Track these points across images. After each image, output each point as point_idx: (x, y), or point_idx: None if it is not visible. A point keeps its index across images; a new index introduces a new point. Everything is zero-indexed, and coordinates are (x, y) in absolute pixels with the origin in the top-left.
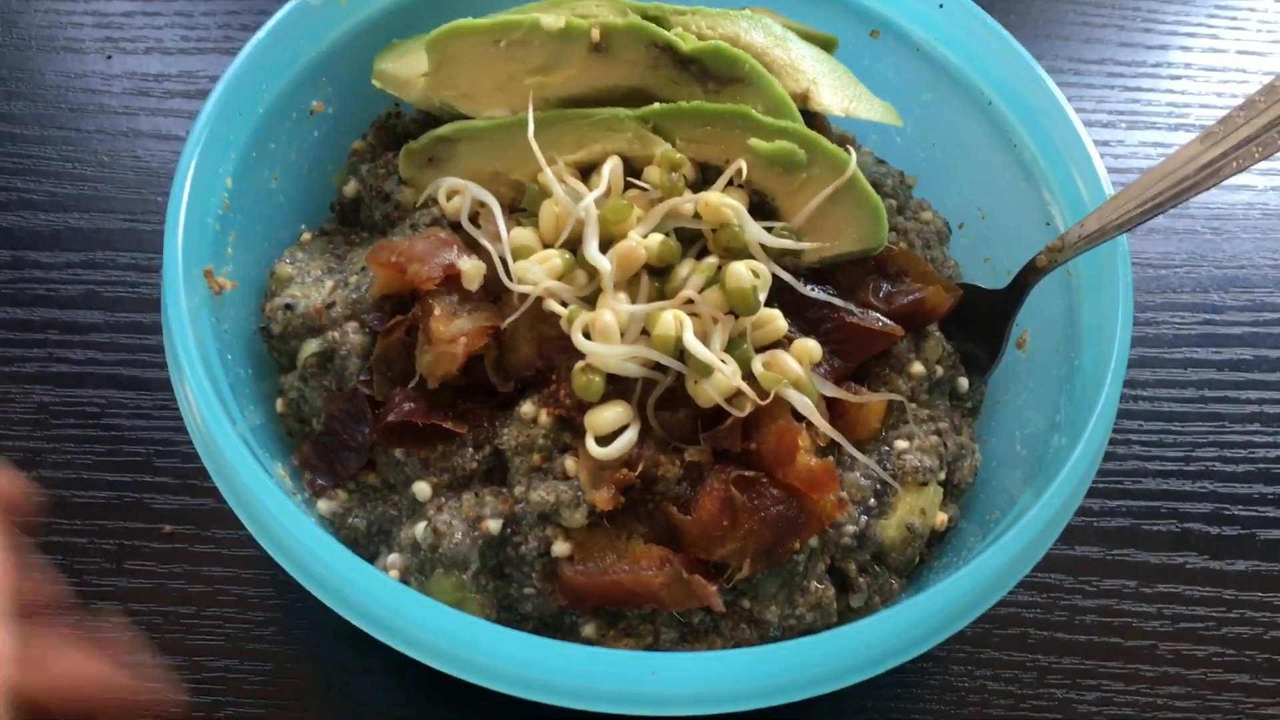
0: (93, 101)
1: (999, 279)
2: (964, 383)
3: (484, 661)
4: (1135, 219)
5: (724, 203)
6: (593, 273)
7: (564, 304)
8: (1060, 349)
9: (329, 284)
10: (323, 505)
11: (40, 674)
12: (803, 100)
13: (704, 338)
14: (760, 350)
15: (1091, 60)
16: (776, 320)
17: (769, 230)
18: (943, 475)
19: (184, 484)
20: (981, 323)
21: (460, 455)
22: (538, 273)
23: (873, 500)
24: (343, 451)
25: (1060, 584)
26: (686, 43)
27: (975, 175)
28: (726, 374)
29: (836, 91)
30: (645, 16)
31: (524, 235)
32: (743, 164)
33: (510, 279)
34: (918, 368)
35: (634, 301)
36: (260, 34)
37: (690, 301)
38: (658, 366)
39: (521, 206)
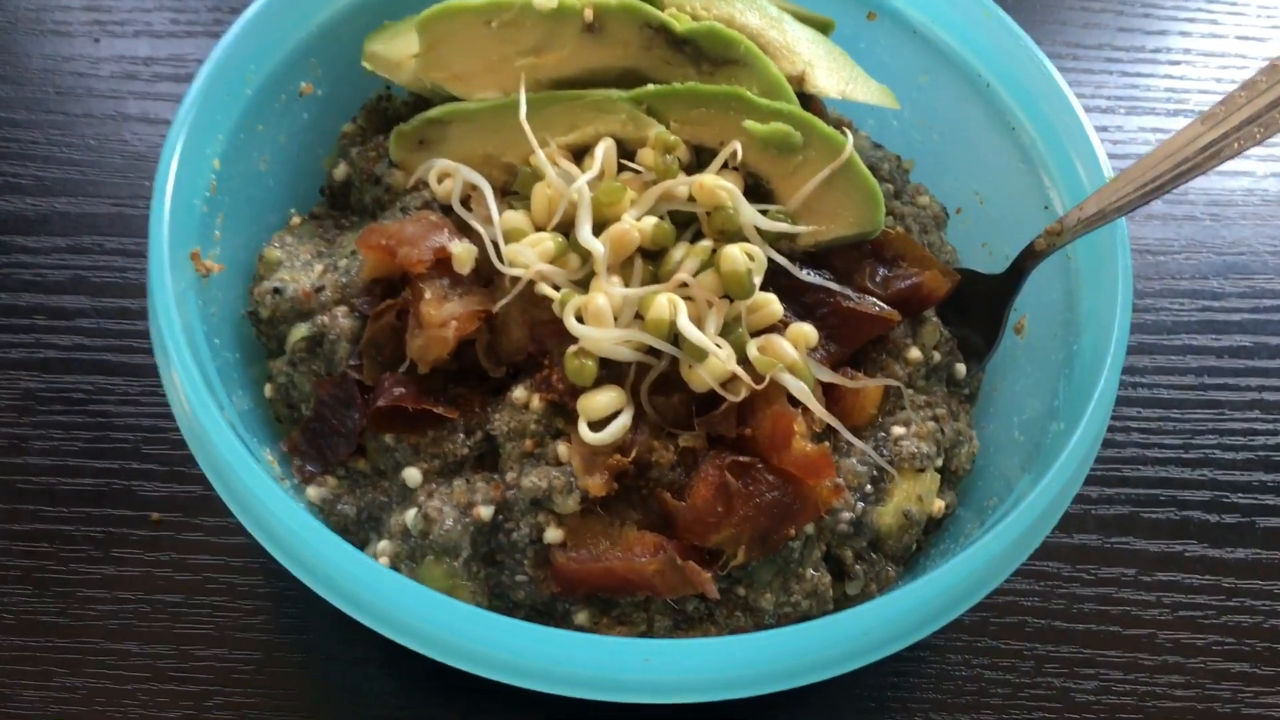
0: (80, 85)
1: (997, 264)
2: (961, 368)
3: (476, 649)
4: (1135, 201)
5: (719, 185)
6: (585, 256)
7: (556, 287)
8: (1059, 334)
9: (318, 268)
10: (312, 492)
11: None
12: (798, 82)
13: (698, 322)
14: (755, 334)
15: (1090, 45)
16: (772, 304)
17: (764, 213)
18: (940, 462)
19: (172, 471)
20: (979, 308)
21: (451, 441)
22: (530, 256)
23: (869, 487)
24: (332, 437)
25: (1058, 572)
26: (681, 23)
27: (973, 159)
28: (721, 358)
29: (833, 74)
30: None
31: (516, 218)
32: (738, 146)
33: (502, 262)
34: (915, 353)
35: (627, 285)
36: (248, 14)
37: (684, 285)
38: (651, 351)
39: (513, 189)
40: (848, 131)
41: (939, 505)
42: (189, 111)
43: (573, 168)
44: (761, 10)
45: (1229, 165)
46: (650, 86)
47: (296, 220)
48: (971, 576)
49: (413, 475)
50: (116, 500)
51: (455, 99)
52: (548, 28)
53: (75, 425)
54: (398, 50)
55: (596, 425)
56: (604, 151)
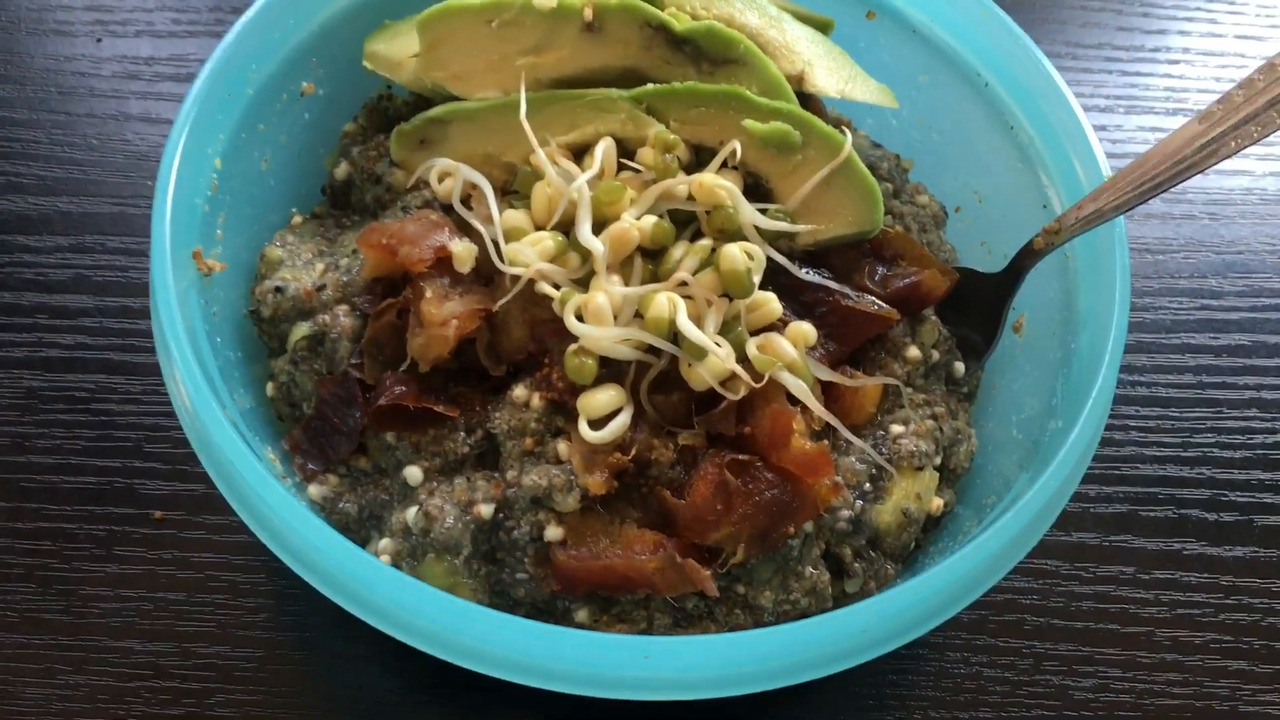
0: (82, 85)
1: (995, 263)
2: (960, 367)
3: (477, 646)
4: (1133, 200)
5: (718, 184)
6: (585, 255)
7: (556, 286)
8: (1057, 332)
9: (319, 267)
10: (313, 490)
11: None
12: (798, 82)
13: (698, 320)
14: (754, 333)
15: (1089, 45)
16: (771, 303)
17: (763, 212)
18: (938, 460)
19: (174, 469)
20: (978, 307)
21: (452, 439)
22: (530, 255)
23: (868, 485)
24: (333, 435)
25: (1057, 570)
26: (680, 23)
27: (972, 158)
28: (721, 357)
29: (832, 73)
30: None
31: (516, 217)
32: (737, 145)
33: (502, 261)
34: (913, 352)
35: (627, 284)
36: (249, 14)
37: (684, 284)
38: (651, 349)
39: (513, 188)
40: (847, 131)
41: (937, 503)
42: (191, 110)
43: (573, 167)
44: (761, 9)
45: (1227, 164)
46: (650, 86)
47: (298, 219)
48: (970, 574)
49: (414, 473)
50: (119, 499)
51: (456, 98)
52: (548, 27)
53: (78, 424)
54: (398, 50)
55: (596, 424)
56: (604, 151)
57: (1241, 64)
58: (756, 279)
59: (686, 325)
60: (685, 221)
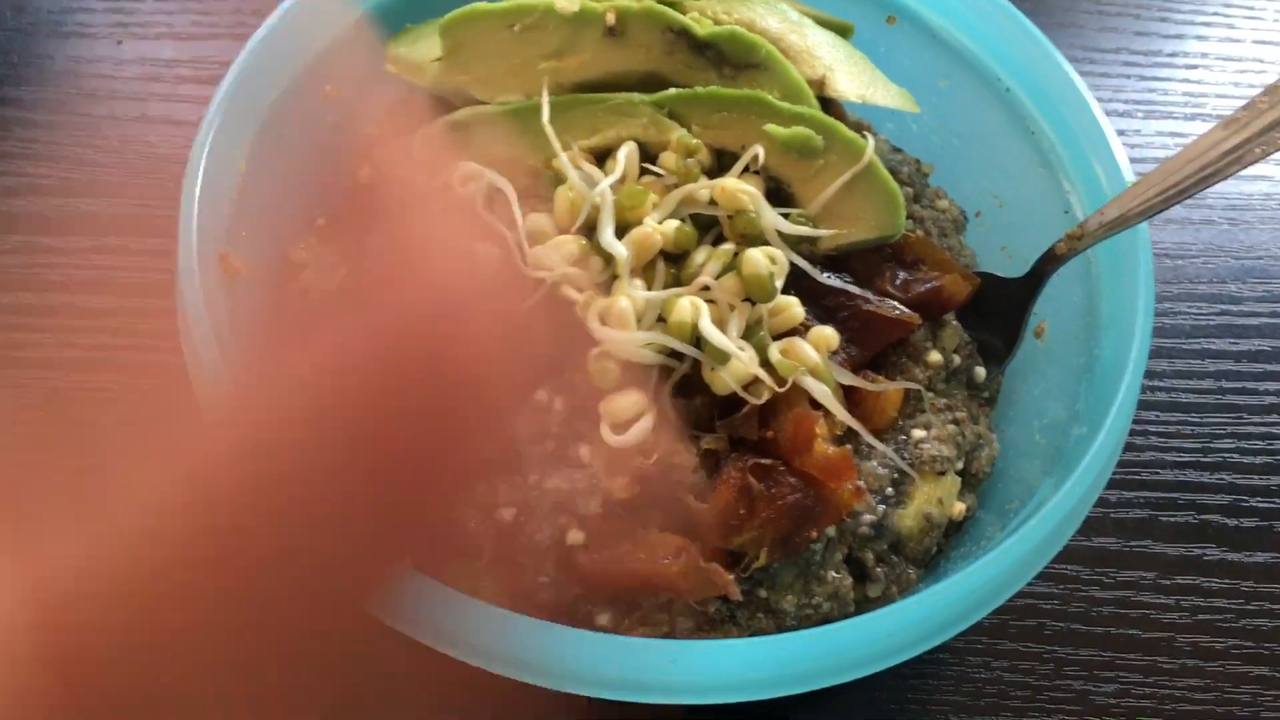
0: (104, 87)
1: (1016, 268)
2: (981, 372)
3: (500, 649)
4: (1157, 206)
5: (740, 189)
6: (608, 259)
7: (579, 290)
8: (1080, 337)
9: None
10: None
11: None
12: (819, 86)
13: (720, 325)
14: (777, 338)
15: (1107, 49)
16: (793, 307)
17: (785, 217)
18: (960, 465)
19: None
20: (999, 312)
21: None
22: (554, 259)
23: (890, 489)
24: None
25: (1077, 575)
26: (702, 27)
27: (992, 163)
28: (743, 361)
29: (853, 78)
30: (660, 0)
31: (539, 221)
32: (759, 150)
33: (526, 265)
34: (935, 356)
35: (650, 288)
36: (273, 18)
37: (706, 288)
38: (674, 353)
39: (536, 193)
40: (868, 135)
41: (959, 508)
42: (215, 114)
43: (595, 171)
44: (782, 14)
45: (1248, 170)
46: (672, 90)
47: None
48: (995, 580)
49: None
50: None
51: (478, 102)
52: (570, 31)
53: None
54: (420, 54)
55: (619, 428)
56: (626, 155)
57: (1260, 69)
58: (779, 283)
59: (709, 329)
60: (707, 226)
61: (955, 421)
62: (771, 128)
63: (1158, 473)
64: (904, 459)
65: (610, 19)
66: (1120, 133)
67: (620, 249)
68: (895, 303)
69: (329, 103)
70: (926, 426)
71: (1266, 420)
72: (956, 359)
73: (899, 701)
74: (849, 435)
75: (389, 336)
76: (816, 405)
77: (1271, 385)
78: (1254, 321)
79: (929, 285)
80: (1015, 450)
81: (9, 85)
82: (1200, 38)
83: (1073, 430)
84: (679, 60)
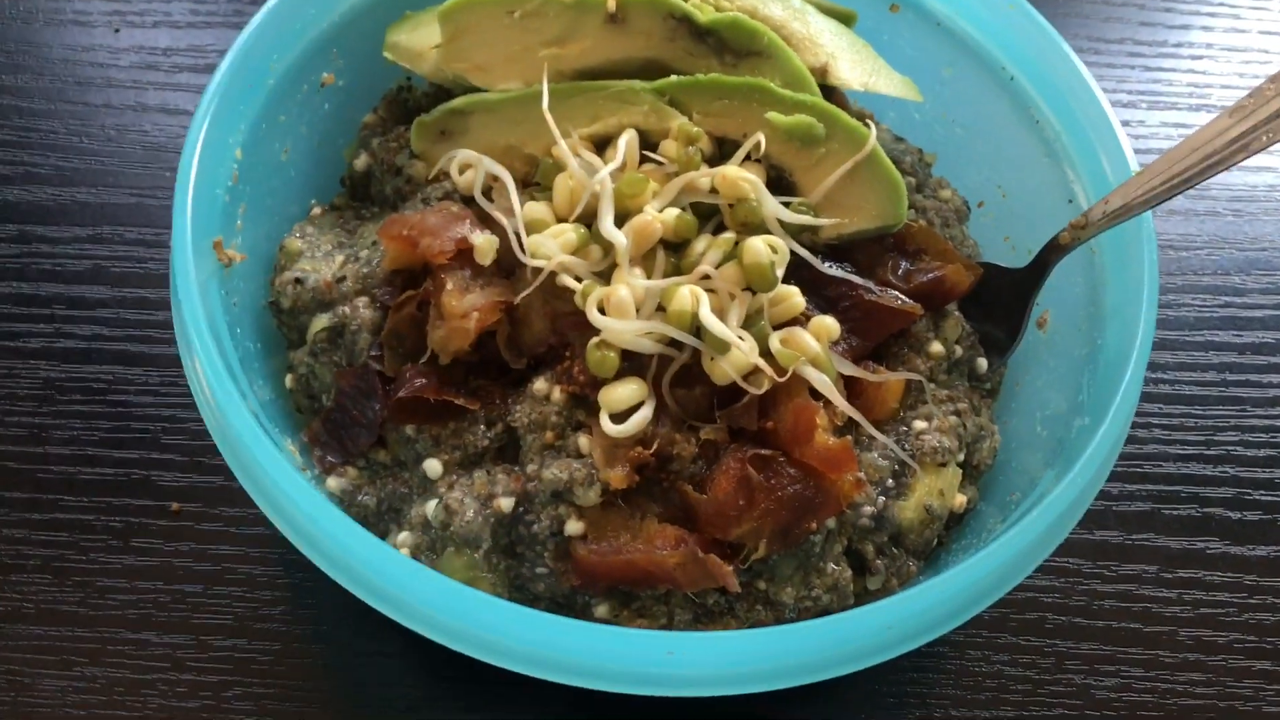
0: (100, 75)
1: (1019, 258)
2: (983, 363)
3: (498, 640)
4: (1161, 195)
5: (741, 177)
6: (608, 247)
7: (578, 279)
8: (1083, 328)
9: (339, 258)
10: (332, 482)
11: None
12: (821, 74)
13: (721, 314)
14: (778, 327)
15: (1112, 39)
16: (794, 297)
17: (787, 205)
18: (961, 456)
19: (191, 461)
20: (1001, 302)
21: (472, 432)
22: (552, 247)
23: (891, 481)
24: (353, 428)
25: (1079, 569)
26: (704, 14)
27: (996, 152)
28: (744, 350)
29: (855, 66)
30: None
31: (538, 209)
32: (760, 138)
33: (524, 253)
34: (936, 347)
35: (649, 277)
36: (270, 4)
37: (707, 277)
38: (673, 343)
39: (535, 180)
40: (870, 124)
41: (960, 500)
42: (212, 101)
43: (595, 159)
44: (784, 2)
45: (1252, 160)
46: (673, 78)
47: (317, 211)
48: (995, 572)
49: (433, 466)
50: (136, 490)
51: (477, 90)
52: (570, 18)
53: (95, 415)
54: (419, 41)
55: (618, 417)
56: (626, 143)
57: (1265, 59)
58: (780, 272)
59: (709, 318)
60: (708, 214)
61: (957, 413)
62: (773, 115)
63: (1160, 465)
64: (905, 450)
65: (611, 5)
66: (1125, 124)
67: (620, 237)
68: (897, 293)
69: (326, 90)
70: (928, 418)
71: (1270, 413)
72: (958, 350)
73: (898, 694)
74: (849, 426)
75: None
76: (817, 396)
77: (1275, 378)
78: (1258, 314)
79: (931, 275)
80: (1017, 442)
81: (6, 73)
82: (1206, 28)
83: (1075, 422)
84: (680, 47)
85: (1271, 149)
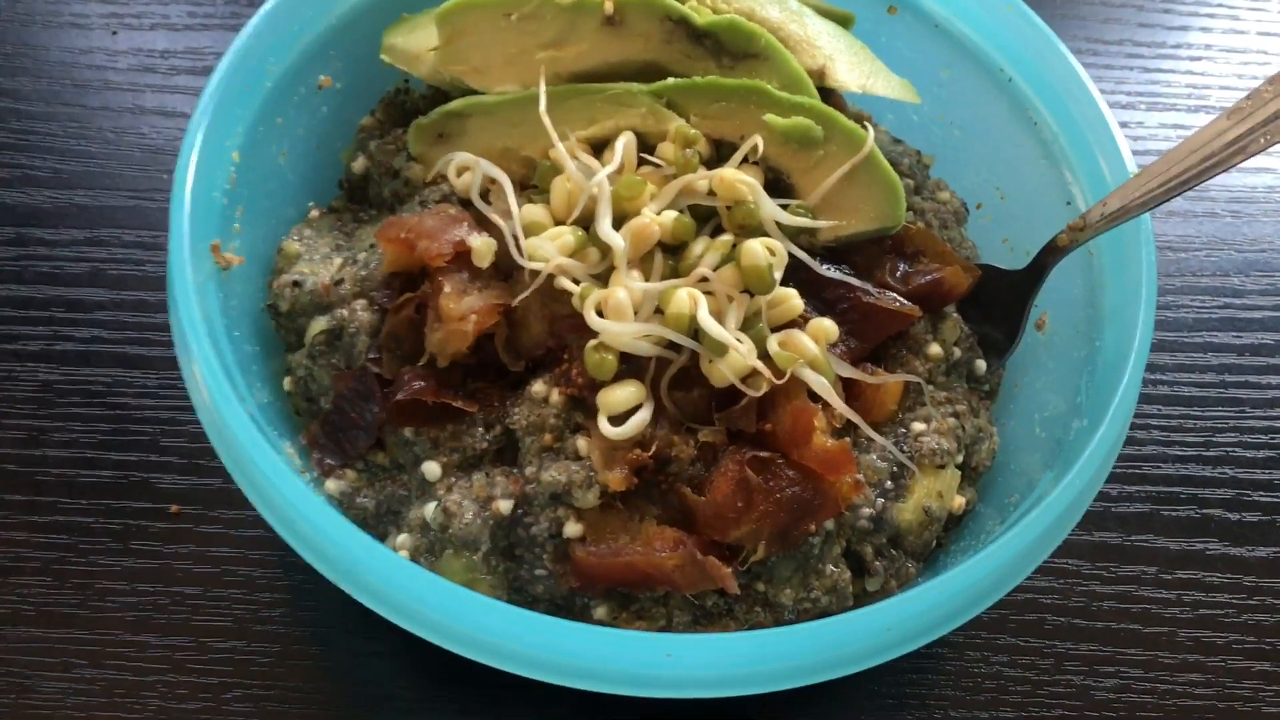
0: (98, 78)
1: (1018, 260)
2: (982, 365)
3: (497, 642)
4: (1159, 197)
5: (739, 179)
6: (605, 250)
7: (576, 281)
8: (1081, 330)
9: (337, 261)
10: (331, 485)
11: None
12: (819, 77)
13: (719, 316)
14: (776, 330)
15: (1110, 41)
16: (792, 299)
17: (785, 208)
18: (960, 458)
19: (190, 463)
20: (1000, 304)
21: (470, 435)
22: (550, 250)
23: (889, 483)
24: (351, 430)
25: (1078, 570)
26: (701, 16)
27: (994, 154)
28: (742, 353)
29: (853, 68)
30: None
31: (535, 212)
32: (758, 140)
33: (522, 256)
34: (935, 349)
35: (647, 279)
36: (267, 6)
37: (705, 280)
38: (671, 345)
39: (533, 183)
40: (868, 126)
41: (959, 502)
42: (209, 104)
43: (593, 161)
44: (782, 4)
45: (1251, 162)
46: (670, 80)
47: (315, 213)
48: (994, 574)
49: (432, 469)
50: (135, 493)
51: (474, 92)
52: (567, 20)
53: (94, 418)
54: (417, 43)
55: (616, 420)
56: (624, 145)
57: (1264, 60)
58: (778, 275)
59: (707, 321)
60: (706, 217)
61: (955, 414)
62: (771, 118)
63: (1159, 466)
64: (904, 452)
65: (608, 8)
66: (1123, 125)
67: (617, 240)
68: (895, 295)
69: (323, 93)
70: (926, 420)
71: (1269, 414)
72: (957, 351)
73: (898, 696)
74: (848, 428)
75: None
76: (815, 398)
77: (1274, 379)
78: (1257, 315)
79: (929, 277)
80: (1016, 444)
81: (4, 76)
82: (1204, 29)
83: (1073, 423)
84: (677, 49)
85: (1270, 150)
